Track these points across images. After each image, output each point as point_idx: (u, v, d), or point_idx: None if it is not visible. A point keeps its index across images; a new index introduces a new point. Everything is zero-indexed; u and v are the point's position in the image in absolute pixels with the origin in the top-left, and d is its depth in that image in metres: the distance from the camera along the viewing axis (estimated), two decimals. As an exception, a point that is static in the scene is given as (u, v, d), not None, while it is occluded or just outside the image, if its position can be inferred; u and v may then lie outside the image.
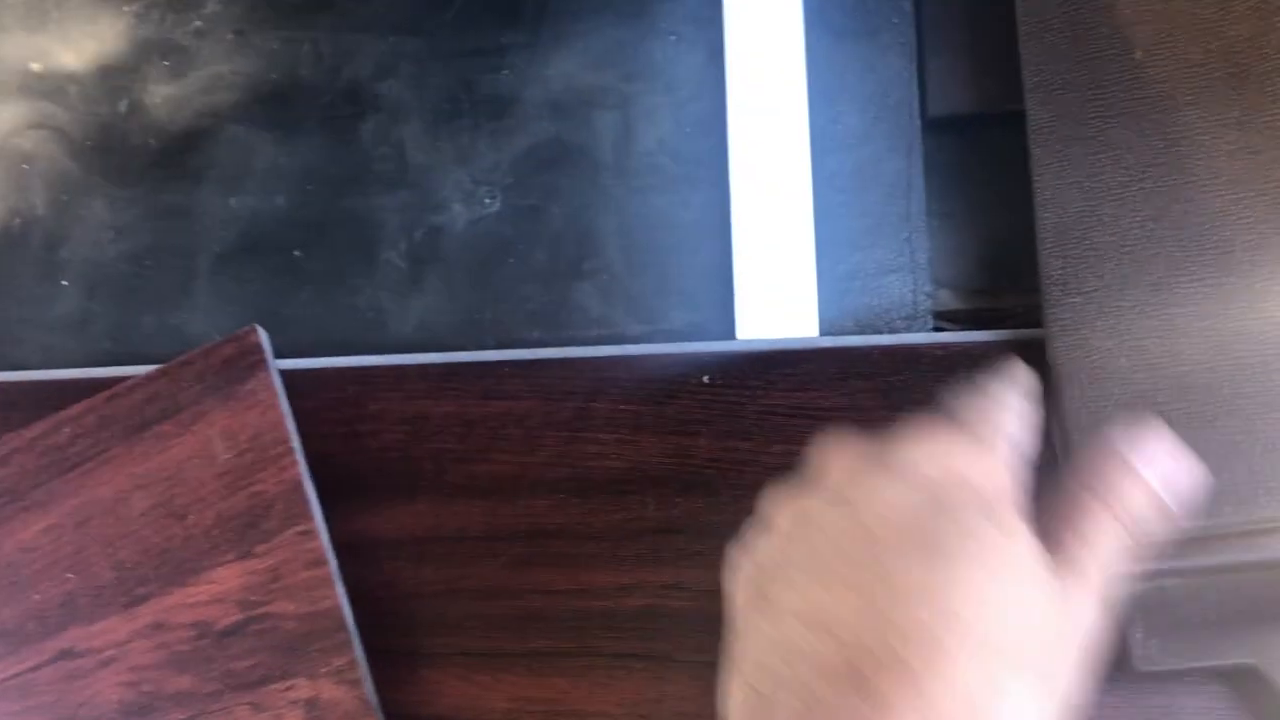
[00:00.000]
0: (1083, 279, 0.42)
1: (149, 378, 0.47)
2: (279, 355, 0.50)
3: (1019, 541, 0.30)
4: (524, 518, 0.46)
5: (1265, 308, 0.41)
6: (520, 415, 0.47)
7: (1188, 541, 0.39)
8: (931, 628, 0.27)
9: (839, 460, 0.33)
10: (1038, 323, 0.43)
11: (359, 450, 0.47)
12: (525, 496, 0.46)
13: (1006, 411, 0.35)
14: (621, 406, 0.47)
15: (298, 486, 0.44)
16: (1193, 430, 0.40)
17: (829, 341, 0.47)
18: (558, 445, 0.47)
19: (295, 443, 0.45)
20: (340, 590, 0.44)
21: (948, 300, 0.49)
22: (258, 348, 0.46)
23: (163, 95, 0.54)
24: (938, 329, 0.48)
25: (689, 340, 0.49)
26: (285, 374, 0.49)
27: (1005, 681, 0.27)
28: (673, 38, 0.51)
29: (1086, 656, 0.30)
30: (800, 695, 0.28)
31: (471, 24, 0.53)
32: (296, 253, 0.53)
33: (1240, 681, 0.39)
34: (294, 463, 0.45)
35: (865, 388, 0.46)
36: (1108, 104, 0.43)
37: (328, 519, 0.46)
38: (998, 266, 0.49)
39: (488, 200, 0.52)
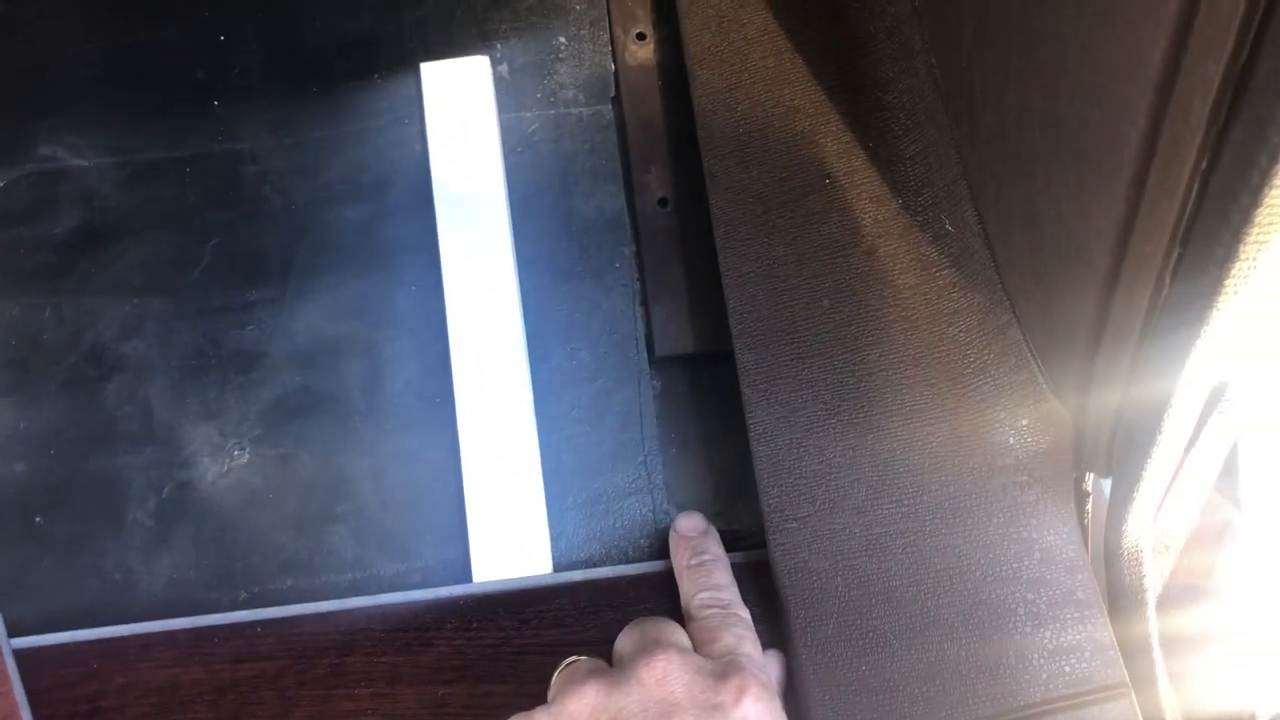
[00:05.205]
0: (797, 505, 0.46)
1: None
2: (20, 631, 0.48)
3: None
4: (278, 786, 0.45)
5: (956, 523, 0.45)
6: (273, 676, 0.47)
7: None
8: None
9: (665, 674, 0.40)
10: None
11: (103, 729, 0.46)
12: (279, 763, 0.46)
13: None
14: (377, 659, 0.47)
15: (30, 781, 0.43)
16: (905, 640, 0.44)
17: (579, 575, 0.49)
18: (312, 705, 0.46)
19: (30, 730, 0.44)
20: None
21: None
22: (-11, 634, 0.45)
23: (-110, 365, 0.53)
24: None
25: (447, 577, 0.50)
26: (25, 653, 0.47)
27: None
28: (414, 288, 0.54)
29: None
30: None
31: (217, 283, 0.54)
32: (38, 519, 0.52)
33: None
34: (26, 754, 0.43)
35: (616, 619, 0.48)
36: (804, 346, 0.48)
37: (67, 809, 0.44)
38: (731, 491, 0.52)
39: (237, 451, 0.53)
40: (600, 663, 0.43)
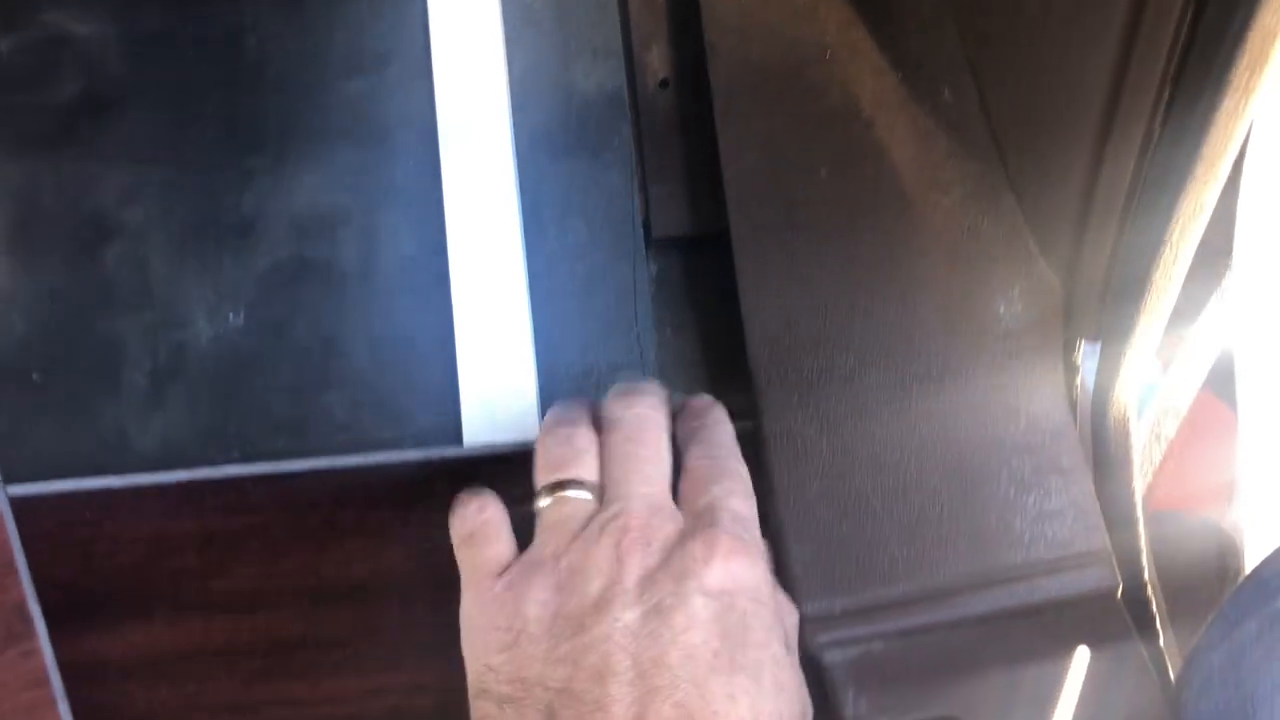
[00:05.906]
0: (785, 373, 0.46)
1: None
2: (15, 479, 0.49)
3: (792, 653, 0.40)
4: (263, 630, 0.46)
5: (943, 390, 0.45)
6: (262, 528, 0.47)
7: (889, 607, 0.43)
8: None
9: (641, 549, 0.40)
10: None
11: (93, 572, 0.47)
12: (265, 609, 0.46)
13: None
14: (368, 514, 0.48)
15: (20, 606, 0.43)
16: (887, 502, 0.44)
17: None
18: (303, 556, 0.47)
19: (20, 562, 0.44)
20: (64, 711, 0.43)
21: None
22: (-17, 471, 0.45)
23: (-109, 222, 0.54)
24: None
25: (438, 442, 0.51)
26: (19, 500, 0.48)
27: None
28: (412, 161, 0.54)
29: None
30: None
31: (216, 152, 0.54)
32: (35, 376, 0.52)
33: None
34: (16, 583, 0.44)
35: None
36: (799, 216, 0.48)
37: (58, 641, 0.45)
38: (724, 369, 0.52)
39: (232, 315, 0.53)
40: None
